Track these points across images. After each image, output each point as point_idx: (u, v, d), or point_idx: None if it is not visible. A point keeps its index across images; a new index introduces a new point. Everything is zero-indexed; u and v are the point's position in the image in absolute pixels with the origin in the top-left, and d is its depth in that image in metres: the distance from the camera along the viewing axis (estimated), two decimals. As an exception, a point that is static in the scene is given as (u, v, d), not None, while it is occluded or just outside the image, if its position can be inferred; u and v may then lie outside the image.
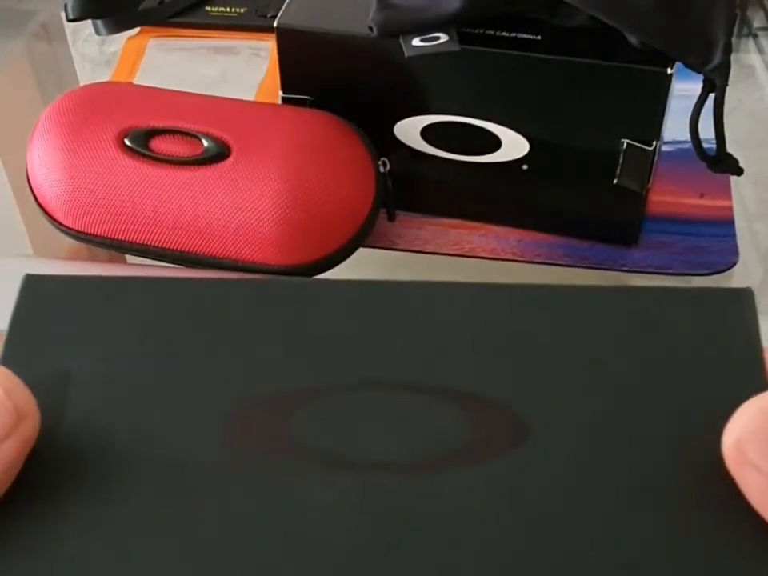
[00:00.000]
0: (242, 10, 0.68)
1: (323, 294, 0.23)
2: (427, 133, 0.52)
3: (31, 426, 0.20)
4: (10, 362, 0.22)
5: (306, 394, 0.21)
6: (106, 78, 0.65)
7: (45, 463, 0.21)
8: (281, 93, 0.54)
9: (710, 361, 0.21)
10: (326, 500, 0.20)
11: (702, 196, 0.57)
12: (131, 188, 0.49)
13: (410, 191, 0.54)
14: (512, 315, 0.22)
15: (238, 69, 0.69)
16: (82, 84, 0.61)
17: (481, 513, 0.20)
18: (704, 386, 0.21)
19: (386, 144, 0.52)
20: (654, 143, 0.49)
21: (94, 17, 0.66)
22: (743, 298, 0.22)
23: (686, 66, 0.47)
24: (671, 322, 0.22)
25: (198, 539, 0.20)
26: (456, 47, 0.47)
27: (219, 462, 0.21)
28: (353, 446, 0.21)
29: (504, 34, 0.49)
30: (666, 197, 0.57)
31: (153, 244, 0.50)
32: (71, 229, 0.51)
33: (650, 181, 0.51)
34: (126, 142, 0.50)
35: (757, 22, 0.73)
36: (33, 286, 0.24)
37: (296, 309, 0.23)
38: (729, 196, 0.57)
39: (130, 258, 0.54)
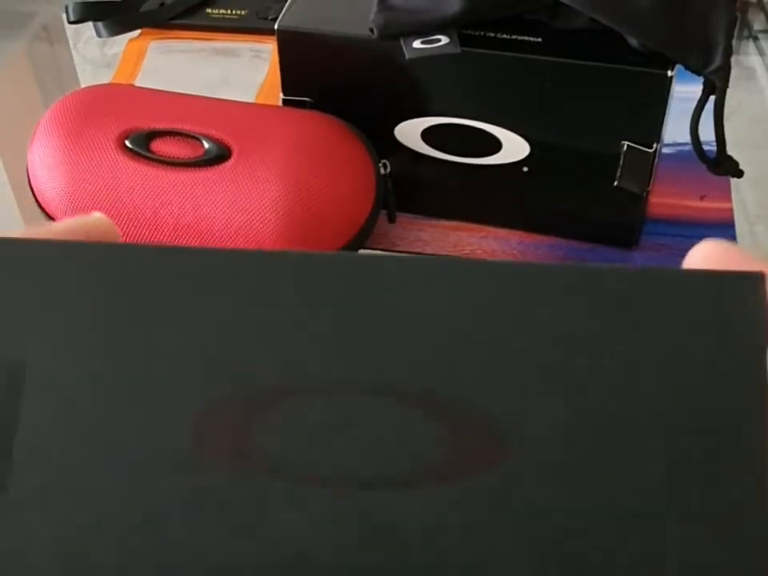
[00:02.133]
0: (243, 12, 0.68)
1: (286, 271, 0.20)
2: (428, 135, 0.52)
3: None
4: None
5: (272, 395, 0.20)
6: (107, 80, 0.65)
7: None
8: (281, 95, 0.54)
9: (707, 357, 0.20)
10: (300, 521, 0.19)
11: (702, 198, 0.57)
12: (132, 189, 0.49)
13: (411, 193, 0.54)
14: (493, 302, 0.20)
15: (239, 71, 0.69)
16: (83, 86, 0.61)
17: (469, 531, 0.19)
18: (698, 385, 0.20)
19: (386, 146, 0.52)
20: (655, 145, 0.49)
21: (94, 19, 0.66)
22: (747, 284, 0.20)
23: (687, 68, 0.47)
24: (665, 310, 0.20)
25: (161, 564, 0.19)
26: (456, 49, 0.47)
27: (184, 479, 0.19)
28: (325, 460, 0.19)
29: (505, 36, 0.49)
30: (667, 199, 0.57)
31: (153, 245, 0.50)
32: (72, 230, 0.51)
33: (651, 183, 0.51)
34: (127, 143, 0.50)
35: (757, 24, 0.73)
36: None
37: (251, 290, 0.20)
38: (729, 198, 0.57)
39: (130, 259, 0.54)
